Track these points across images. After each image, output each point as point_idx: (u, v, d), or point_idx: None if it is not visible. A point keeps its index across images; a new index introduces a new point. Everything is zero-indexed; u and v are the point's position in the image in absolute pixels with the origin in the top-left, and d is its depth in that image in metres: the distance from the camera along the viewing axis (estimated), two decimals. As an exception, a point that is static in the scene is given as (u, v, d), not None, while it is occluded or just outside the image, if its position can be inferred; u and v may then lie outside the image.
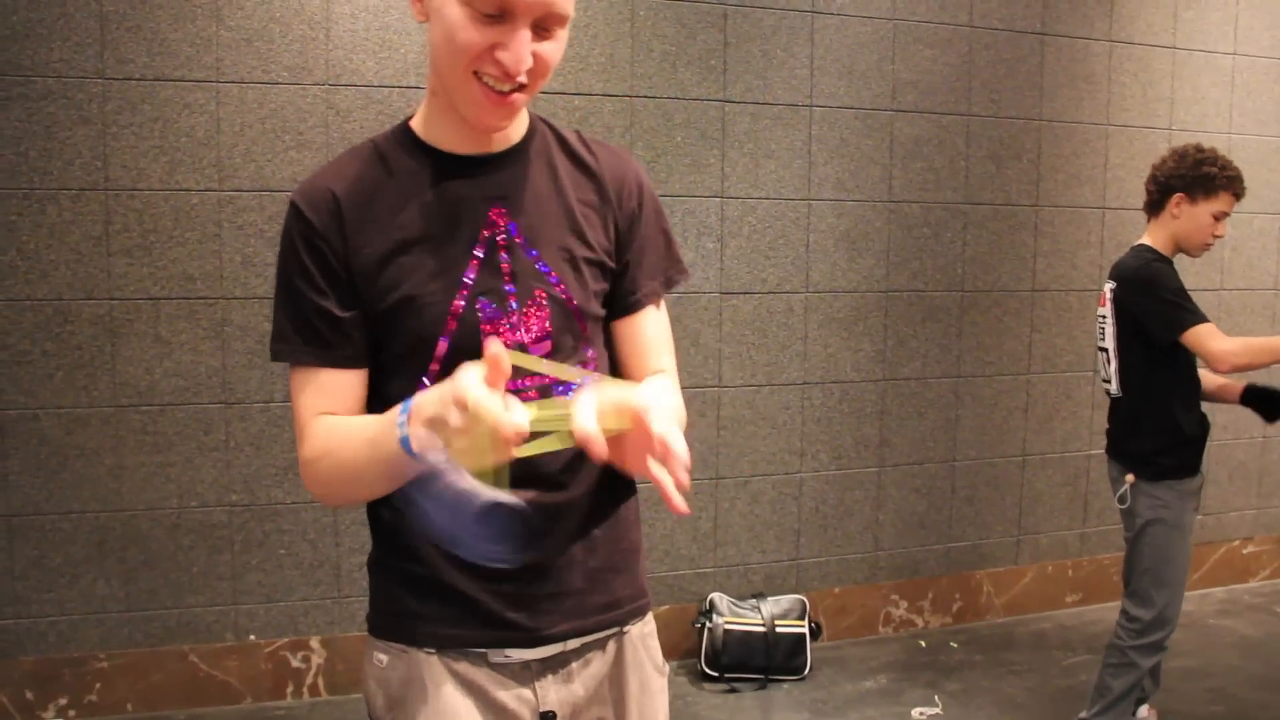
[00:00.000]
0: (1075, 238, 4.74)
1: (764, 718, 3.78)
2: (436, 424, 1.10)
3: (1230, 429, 5.04)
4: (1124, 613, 3.25)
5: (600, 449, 1.10)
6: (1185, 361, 3.18)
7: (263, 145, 3.65)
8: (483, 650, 1.42)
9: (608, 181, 1.48)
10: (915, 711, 3.80)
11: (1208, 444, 3.29)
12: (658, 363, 1.52)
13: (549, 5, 1.25)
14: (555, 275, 1.41)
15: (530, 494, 1.39)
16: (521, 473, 1.33)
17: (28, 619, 3.57)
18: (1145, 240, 3.27)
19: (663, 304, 1.56)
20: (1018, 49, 4.55)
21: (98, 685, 3.64)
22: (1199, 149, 3.18)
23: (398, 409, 1.19)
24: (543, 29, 1.27)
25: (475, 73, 1.28)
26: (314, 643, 3.83)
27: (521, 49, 1.25)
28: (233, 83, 3.61)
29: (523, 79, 1.29)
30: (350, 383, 1.39)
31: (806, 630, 4.11)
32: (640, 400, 1.17)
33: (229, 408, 3.69)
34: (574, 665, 1.47)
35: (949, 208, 4.50)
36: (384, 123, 3.71)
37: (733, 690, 3.99)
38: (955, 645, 4.45)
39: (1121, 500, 3.26)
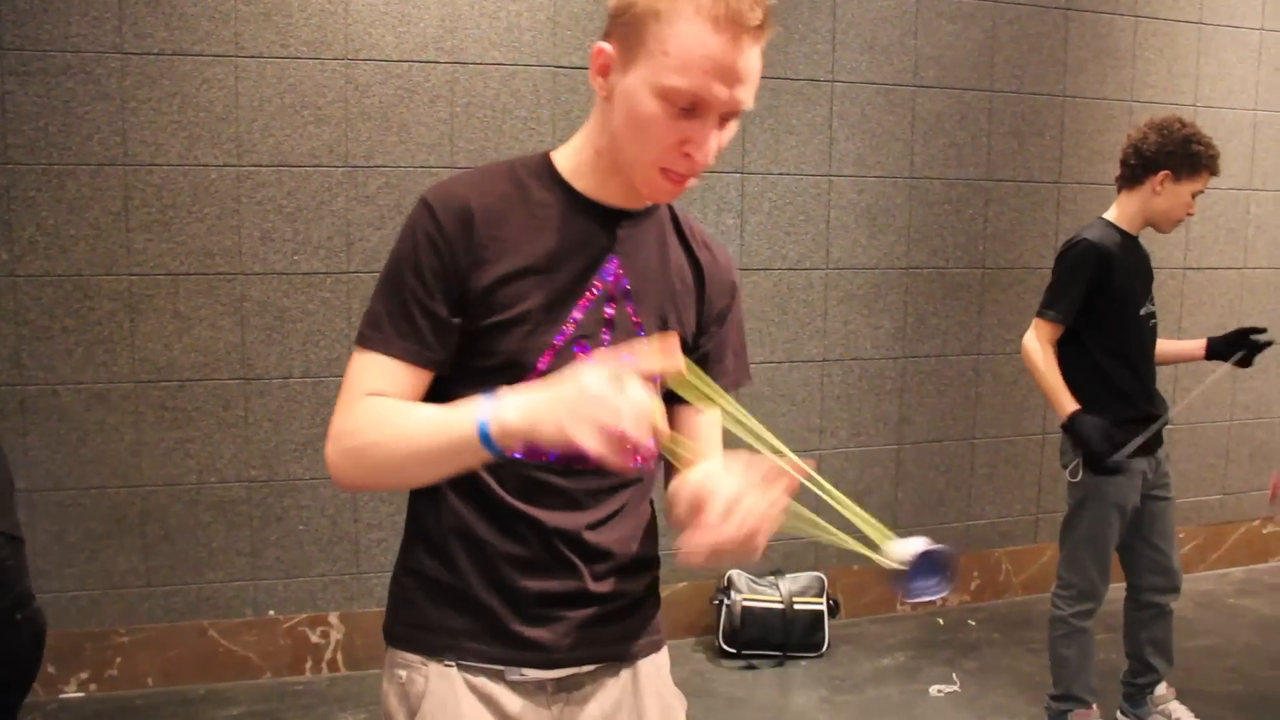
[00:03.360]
0: (1098, 215, 4.68)
1: (781, 694, 3.79)
2: (567, 417, 1.14)
3: (1251, 409, 5.01)
4: (1059, 580, 3.29)
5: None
6: (1108, 341, 3.13)
7: (281, 120, 3.64)
8: (500, 668, 1.44)
9: (706, 274, 1.53)
10: (933, 689, 3.80)
11: (1169, 425, 3.29)
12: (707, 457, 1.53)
13: (738, 103, 1.28)
14: (646, 340, 1.44)
15: (570, 524, 1.44)
16: (557, 501, 1.42)
17: (49, 594, 3.58)
18: (1110, 214, 3.22)
19: None
20: (1042, 24, 4.50)
21: (118, 660, 3.66)
22: (1183, 123, 3.11)
23: (478, 398, 1.24)
24: (726, 119, 1.31)
25: (662, 166, 1.32)
26: (333, 618, 3.84)
27: (710, 144, 1.30)
28: (251, 57, 3.59)
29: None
30: (420, 383, 1.39)
31: (825, 607, 4.11)
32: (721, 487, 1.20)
33: (248, 383, 3.69)
34: (589, 688, 1.50)
35: (971, 184, 4.47)
36: (403, 98, 3.70)
37: (750, 667, 3.99)
38: (973, 623, 4.44)
39: (1072, 474, 3.23)
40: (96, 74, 3.48)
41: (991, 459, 4.64)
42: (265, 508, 3.75)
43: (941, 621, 4.45)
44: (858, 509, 1.30)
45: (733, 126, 1.33)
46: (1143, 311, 3.18)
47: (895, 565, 1.27)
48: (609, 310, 1.42)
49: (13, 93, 3.42)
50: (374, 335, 1.38)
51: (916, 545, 1.27)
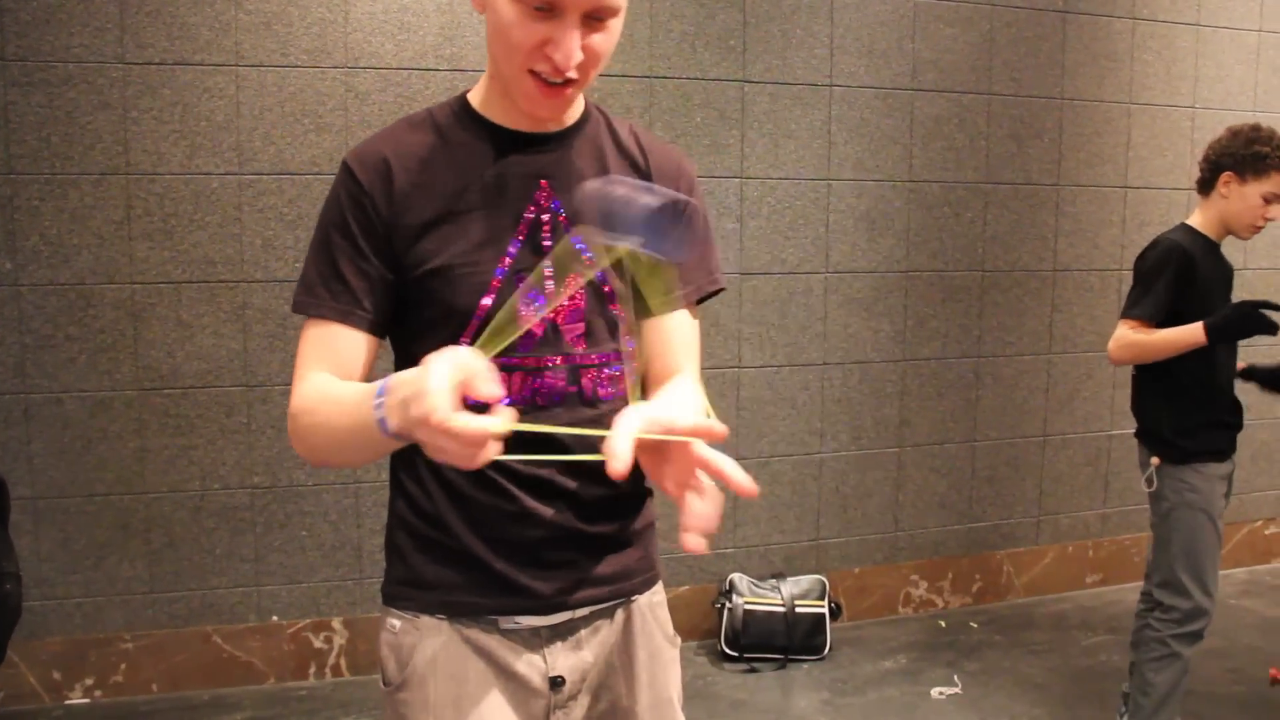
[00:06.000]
0: (1097, 217, 4.71)
1: (784, 697, 3.79)
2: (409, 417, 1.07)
3: (1253, 409, 4.98)
4: (1159, 604, 3.13)
5: (620, 470, 1.06)
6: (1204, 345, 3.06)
7: (282, 128, 3.66)
8: (494, 617, 1.44)
9: (654, 178, 1.50)
10: (935, 691, 3.80)
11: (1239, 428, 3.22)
12: (679, 364, 1.51)
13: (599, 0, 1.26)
14: (593, 260, 1.42)
15: (552, 467, 1.42)
16: (544, 446, 1.35)
17: (54, 600, 3.61)
18: (1191, 219, 3.17)
19: (696, 312, 1.56)
20: (1039, 27, 4.51)
21: (123, 666, 3.68)
22: (1255, 128, 3.06)
23: (376, 384, 1.17)
24: (594, 20, 1.28)
25: (530, 69, 1.30)
26: (336, 623, 3.86)
27: (571, 45, 1.27)
28: (252, 66, 3.61)
29: (573, 73, 1.30)
30: (361, 347, 1.39)
31: (826, 610, 4.12)
32: (683, 419, 1.12)
33: (250, 390, 3.71)
34: (583, 632, 1.49)
35: (970, 187, 4.48)
36: (403, 105, 3.72)
37: (752, 670, 4.00)
38: (975, 625, 4.45)
39: (1148, 483, 3.16)
40: (98, 84, 3.50)
41: (992, 461, 4.65)
42: (268, 514, 3.77)
43: (943, 624, 4.46)
44: None
45: (608, 31, 1.31)
46: None
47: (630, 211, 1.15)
48: (546, 238, 1.40)
49: (16, 103, 3.45)
50: (308, 300, 1.39)
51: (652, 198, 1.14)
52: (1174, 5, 4.72)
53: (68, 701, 3.65)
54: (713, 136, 4.09)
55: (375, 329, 1.40)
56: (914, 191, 4.39)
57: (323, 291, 1.38)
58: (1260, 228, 3.10)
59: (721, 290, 1.59)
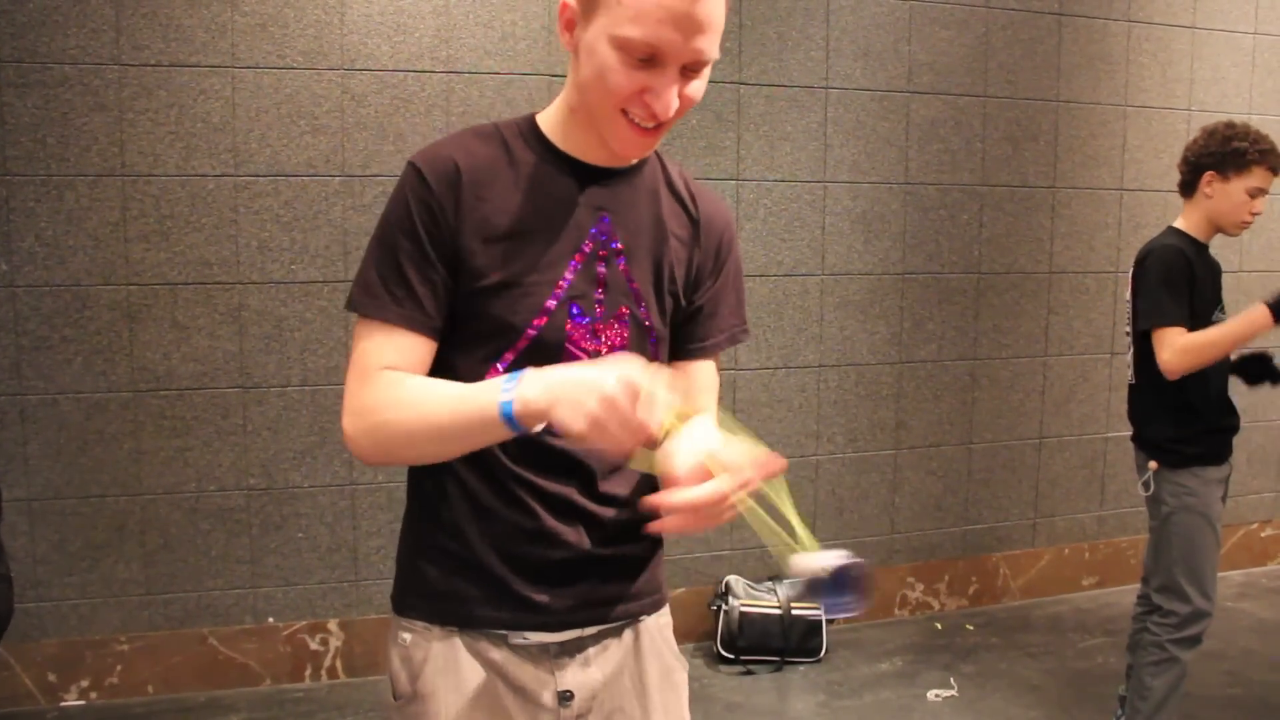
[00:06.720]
0: (1093, 219, 4.71)
1: (780, 700, 3.79)
2: (574, 403, 1.16)
3: (1248, 412, 4.96)
4: (1158, 608, 3.12)
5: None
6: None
7: (278, 130, 3.66)
8: (504, 632, 1.45)
9: (702, 224, 1.54)
10: (931, 694, 3.80)
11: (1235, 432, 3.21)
12: (700, 405, 1.54)
13: (699, 53, 1.27)
14: (641, 296, 1.46)
15: (573, 489, 1.45)
16: (557, 464, 1.41)
17: (49, 602, 3.61)
18: (1178, 223, 3.17)
19: (719, 358, 1.63)
20: (1035, 29, 4.52)
21: (119, 667, 3.68)
22: (1229, 125, 3.08)
23: (500, 378, 1.27)
24: (690, 70, 1.30)
25: (623, 110, 1.32)
26: (332, 625, 3.86)
27: (670, 95, 1.29)
28: (248, 68, 3.61)
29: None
30: (425, 351, 1.39)
31: (822, 613, 4.12)
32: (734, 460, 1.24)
33: (246, 392, 3.71)
34: (591, 650, 1.50)
35: (965, 190, 4.48)
36: (399, 107, 3.72)
37: (749, 672, 4.00)
38: (971, 628, 4.45)
39: (1145, 487, 3.16)
40: (94, 85, 3.50)
41: (988, 464, 4.65)
42: (264, 516, 3.77)
43: (939, 626, 4.46)
44: (794, 517, 1.32)
45: (701, 80, 1.33)
46: (1214, 318, 3.10)
47: (810, 574, 1.27)
48: (600, 269, 1.42)
49: (11, 105, 3.45)
50: (371, 302, 1.37)
51: (831, 559, 1.27)
52: (1169, 8, 4.73)
53: (63, 703, 3.64)
54: (708, 139, 4.09)
55: (435, 334, 1.39)
56: (910, 194, 4.40)
57: (385, 295, 1.36)
58: (1248, 223, 3.11)
59: (749, 338, 1.65)
